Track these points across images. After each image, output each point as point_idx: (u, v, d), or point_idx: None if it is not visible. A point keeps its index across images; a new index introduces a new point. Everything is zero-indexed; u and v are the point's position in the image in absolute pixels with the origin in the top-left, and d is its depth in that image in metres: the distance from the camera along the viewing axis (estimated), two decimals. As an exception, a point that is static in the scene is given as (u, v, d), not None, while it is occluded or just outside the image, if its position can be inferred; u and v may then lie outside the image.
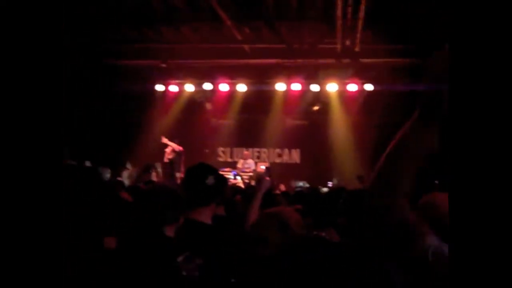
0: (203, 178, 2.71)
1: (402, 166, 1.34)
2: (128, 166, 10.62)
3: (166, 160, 11.46)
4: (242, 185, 9.78)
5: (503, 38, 1.09)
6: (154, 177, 10.28)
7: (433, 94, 1.30)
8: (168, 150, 11.61)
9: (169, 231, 2.53)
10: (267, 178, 3.71)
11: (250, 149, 13.90)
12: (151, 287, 2.11)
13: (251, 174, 12.06)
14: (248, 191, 5.24)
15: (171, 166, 11.35)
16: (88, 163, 8.30)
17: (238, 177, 11.70)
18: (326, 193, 6.89)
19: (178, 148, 11.52)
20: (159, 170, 11.05)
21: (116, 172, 9.82)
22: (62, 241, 1.07)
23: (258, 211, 3.15)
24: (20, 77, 1.02)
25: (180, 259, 2.27)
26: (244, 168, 12.53)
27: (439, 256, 1.32)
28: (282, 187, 10.36)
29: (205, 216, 2.69)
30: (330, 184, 11.19)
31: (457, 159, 1.11)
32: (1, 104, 0.99)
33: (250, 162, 12.88)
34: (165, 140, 11.60)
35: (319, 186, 9.68)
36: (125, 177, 10.30)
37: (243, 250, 2.59)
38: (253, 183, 9.57)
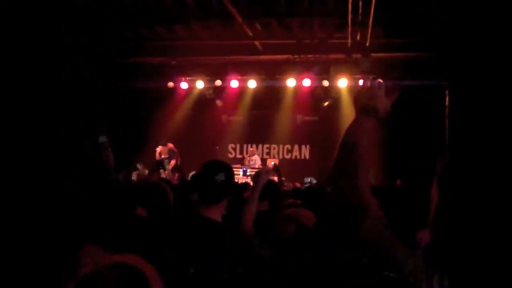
0: (212, 175, 2.67)
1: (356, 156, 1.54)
2: (139, 166, 10.65)
3: (158, 157, 11.39)
4: (251, 182, 9.77)
5: (503, 37, 1.08)
6: (163, 175, 10.32)
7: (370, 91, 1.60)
8: (158, 149, 11.54)
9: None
10: (272, 174, 3.66)
11: (259, 145, 13.91)
12: None
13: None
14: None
15: (177, 166, 11.31)
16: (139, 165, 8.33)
17: (248, 174, 11.71)
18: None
19: (170, 166, 11.32)
20: (167, 167, 11.06)
21: (126, 171, 9.86)
22: (62, 240, 1.07)
23: (256, 208, 3.09)
24: (20, 77, 1.01)
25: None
26: (252, 165, 12.54)
27: None
28: (290, 185, 10.36)
29: (215, 213, 2.66)
30: (309, 179, 11.16)
31: (457, 159, 1.11)
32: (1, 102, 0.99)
33: (256, 158, 12.87)
34: (159, 149, 11.51)
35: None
36: (135, 177, 10.34)
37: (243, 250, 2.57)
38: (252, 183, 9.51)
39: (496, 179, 1.05)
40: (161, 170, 10.55)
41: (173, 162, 11.36)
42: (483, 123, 1.10)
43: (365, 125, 1.59)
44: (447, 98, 10.20)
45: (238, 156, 14.18)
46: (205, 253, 2.38)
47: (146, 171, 10.74)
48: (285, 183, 9.98)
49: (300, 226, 2.42)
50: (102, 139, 4.18)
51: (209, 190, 2.66)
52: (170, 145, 11.56)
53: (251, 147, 13.55)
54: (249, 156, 12.96)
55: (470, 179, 1.08)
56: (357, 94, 1.67)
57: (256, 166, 12.27)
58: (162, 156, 11.37)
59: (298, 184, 10.77)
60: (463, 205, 1.09)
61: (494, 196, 1.05)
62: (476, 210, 1.07)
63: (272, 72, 11.98)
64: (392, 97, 1.68)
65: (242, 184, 7.16)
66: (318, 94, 12.55)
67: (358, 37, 9.42)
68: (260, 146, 13.92)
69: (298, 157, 14.12)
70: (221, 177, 2.66)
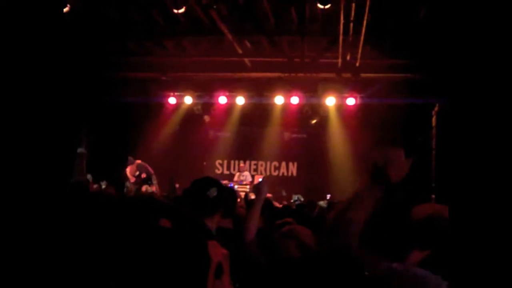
0: (205, 190, 2.75)
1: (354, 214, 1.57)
2: (128, 184, 10.56)
3: (132, 180, 11.24)
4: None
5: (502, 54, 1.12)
6: (150, 190, 10.25)
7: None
8: (128, 170, 11.42)
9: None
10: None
11: (247, 162, 13.90)
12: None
13: (248, 186, 12.06)
14: (250, 204, 5.24)
15: (172, 179, 11.21)
16: (89, 176, 8.25)
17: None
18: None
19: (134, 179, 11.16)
20: (155, 182, 10.99)
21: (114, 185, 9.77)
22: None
23: (258, 220, 3.17)
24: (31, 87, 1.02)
25: None
26: (240, 181, 12.53)
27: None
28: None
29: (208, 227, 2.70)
30: (328, 197, 11.16)
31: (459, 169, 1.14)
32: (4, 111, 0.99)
33: (246, 174, 12.89)
34: (128, 169, 11.39)
35: (317, 201, 9.72)
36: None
37: (244, 262, 2.61)
38: (252, 196, 9.54)
39: (485, 198, 1.09)
40: (148, 186, 10.49)
41: (143, 175, 11.28)
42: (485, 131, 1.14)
43: (372, 197, 1.58)
44: (433, 119, 10.34)
45: (226, 172, 14.16)
46: None
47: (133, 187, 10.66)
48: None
49: (301, 245, 2.45)
50: (81, 150, 4.22)
51: (202, 205, 2.73)
52: (138, 161, 11.48)
53: (243, 163, 13.58)
54: (240, 172, 12.96)
55: (461, 197, 1.12)
56: (373, 156, 1.65)
57: (244, 183, 12.26)
58: (135, 175, 11.21)
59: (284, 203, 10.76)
60: (457, 220, 1.13)
61: (485, 208, 1.09)
62: (470, 225, 1.10)
63: (260, 89, 12.04)
64: (409, 162, 1.66)
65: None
66: (306, 112, 12.62)
67: (348, 57, 9.53)
68: (247, 162, 13.92)
69: (285, 174, 14.14)
70: (213, 192, 2.76)
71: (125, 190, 9.72)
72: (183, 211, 2.59)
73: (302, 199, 10.74)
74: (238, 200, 8.98)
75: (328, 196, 11.08)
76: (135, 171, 11.30)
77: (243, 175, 12.72)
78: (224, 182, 12.19)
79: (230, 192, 3.70)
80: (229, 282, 2.04)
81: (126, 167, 11.41)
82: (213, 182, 2.86)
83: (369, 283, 1.41)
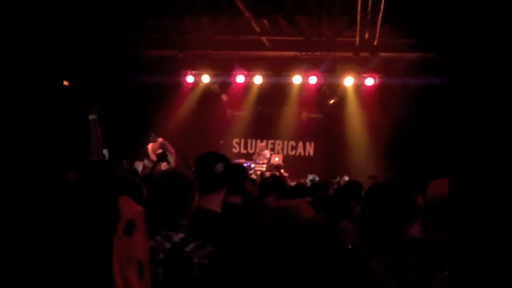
0: (212, 165, 2.73)
1: None
2: (146, 161, 10.64)
3: (152, 157, 11.27)
4: (254, 176, 9.80)
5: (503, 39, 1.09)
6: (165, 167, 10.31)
7: None
8: (150, 147, 11.46)
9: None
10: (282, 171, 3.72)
11: (264, 141, 13.92)
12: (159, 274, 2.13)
13: (265, 165, 12.11)
14: (264, 182, 5.29)
15: (184, 156, 11.27)
16: (105, 152, 8.33)
17: (252, 168, 11.73)
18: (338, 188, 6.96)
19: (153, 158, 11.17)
20: (172, 161, 11.04)
21: (131, 162, 9.89)
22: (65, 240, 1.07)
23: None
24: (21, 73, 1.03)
25: (191, 246, 2.27)
26: (258, 159, 12.55)
27: None
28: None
29: (213, 203, 2.70)
30: (338, 178, 11.13)
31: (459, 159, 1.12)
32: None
33: (266, 152, 12.89)
34: (150, 147, 11.43)
35: (333, 179, 9.75)
36: (139, 168, 10.33)
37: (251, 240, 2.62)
38: (267, 174, 9.61)
39: (499, 180, 1.06)
40: (166, 163, 10.55)
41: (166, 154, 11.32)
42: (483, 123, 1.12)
43: None
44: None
45: (243, 151, 14.21)
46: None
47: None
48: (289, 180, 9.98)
49: (292, 221, 2.45)
50: (92, 117, 4.32)
51: (208, 180, 2.70)
52: (160, 139, 11.54)
53: (261, 142, 13.61)
54: (260, 150, 12.98)
55: (473, 180, 1.10)
56: None
57: (261, 162, 12.29)
58: (157, 152, 11.28)
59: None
60: (466, 207, 1.10)
61: (497, 197, 1.06)
62: (480, 211, 1.08)
63: (278, 69, 11.98)
64: None
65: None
66: (324, 92, 12.54)
67: (366, 36, 9.40)
68: (264, 141, 13.94)
69: (302, 154, 14.13)
70: (220, 167, 2.73)
71: (142, 163, 9.83)
72: (95, 165, 2.55)
73: (317, 178, 10.73)
74: (254, 177, 9.05)
75: (338, 178, 11.05)
76: (158, 149, 11.38)
77: (262, 154, 12.74)
78: (242, 160, 12.24)
79: (239, 169, 3.68)
80: (145, 240, 1.94)
81: (147, 144, 11.50)
82: (220, 157, 2.82)
83: (350, 255, 1.40)
